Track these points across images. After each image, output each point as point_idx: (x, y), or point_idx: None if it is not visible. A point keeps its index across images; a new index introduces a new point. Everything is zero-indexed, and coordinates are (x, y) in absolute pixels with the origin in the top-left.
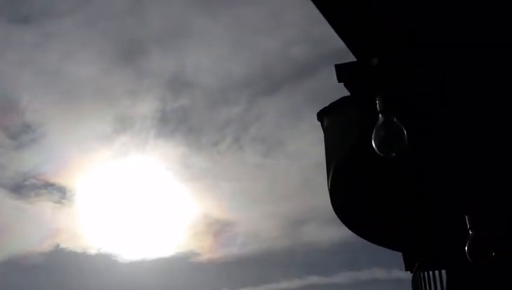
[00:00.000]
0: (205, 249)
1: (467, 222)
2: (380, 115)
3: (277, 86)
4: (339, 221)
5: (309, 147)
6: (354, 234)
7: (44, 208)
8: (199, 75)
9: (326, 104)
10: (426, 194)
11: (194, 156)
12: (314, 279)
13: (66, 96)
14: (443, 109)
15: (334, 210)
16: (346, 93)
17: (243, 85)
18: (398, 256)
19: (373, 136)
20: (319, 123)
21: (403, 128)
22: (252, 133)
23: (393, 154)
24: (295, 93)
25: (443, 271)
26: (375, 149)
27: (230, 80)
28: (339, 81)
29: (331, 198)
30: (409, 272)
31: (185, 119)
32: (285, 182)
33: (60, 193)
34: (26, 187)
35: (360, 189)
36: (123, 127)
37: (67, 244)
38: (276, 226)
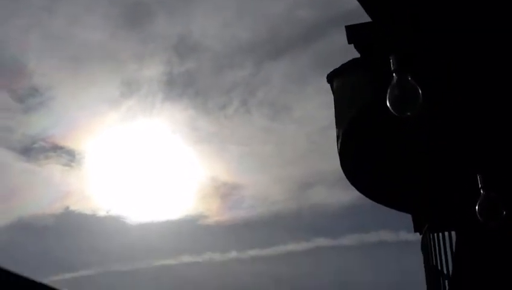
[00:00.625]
0: (213, 211)
1: (479, 181)
2: (394, 75)
3: (283, 49)
4: (346, 184)
5: (316, 110)
6: (361, 197)
7: (53, 170)
8: (205, 39)
9: (333, 68)
10: (438, 153)
11: (201, 120)
12: (321, 241)
13: (73, 60)
14: (457, 68)
15: (344, 173)
16: (355, 55)
17: (249, 49)
18: (406, 218)
19: (387, 96)
20: (326, 87)
21: (418, 87)
22: (258, 97)
23: (408, 113)
24: (301, 57)
25: (453, 232)
26: (390, 109)
27: (236, 43)
28: (349, 43)
29: (340, 160)
30: (418, 233)
31: (192, 83)
32: (293, 146)
33: (68, 156)
34: (35, 150)
35: (370, 151)
36: (130, 91)
37: (76, 206)
38: (283, 189)
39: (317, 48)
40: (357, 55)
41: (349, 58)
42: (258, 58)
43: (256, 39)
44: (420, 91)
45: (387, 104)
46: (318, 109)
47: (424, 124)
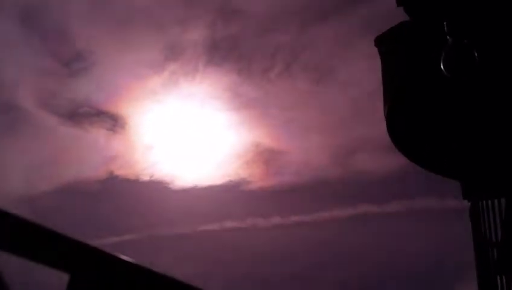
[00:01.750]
0: (256, 177)
1: None
2: (448, 38)
3: (328, 12)
4: (392, 150)
5: (361, 75)
6: (407, 163)
7: (97, 135)
8: (249, 1)
9: (380, 31)
10: (490, 119)
11: (244, 84)
12: (366, 207)
13: (116, 25)
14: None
15: (391, 138)
16: (403, 18)
17: (293, 12)
18: (453, 185)
19: (442, 59)
20: (371, 51)
21: (473, 50)
22: (303, 61)
23: (463, 77)
24: (347, 19)
25: (502, 200)
26: (444, 72)
27: (280, 6)
28: (399, 5)
29: (387, 125)
30: (466, 201)
31: (235, 46)
32: (337, 111)
33: (112, 121)
34: (79, 115)
35: (419, 116)
36: (173, 55)
37: (120, 171)
38: (327, 154)
39: (364, 10)
40: (404, 18)
41: (397, 21)
42: (302, 21)
43: (301, 1)
44: (476, 54)
45: (442, 67)
46: (363, 74)
47: (477, 87)
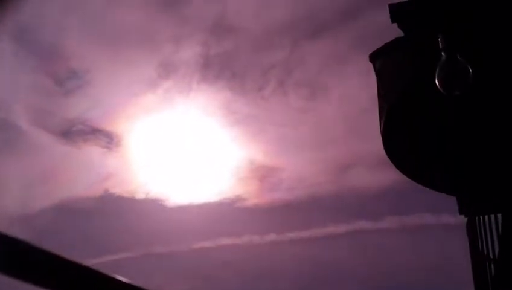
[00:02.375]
0: (251, 194)
1: None
2: (442, 53)
3: (321, 29)
4: (386, 166)
5: (355, 91)
6: (401, 179)
7: (92, 153)
8: (242, 19)
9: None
10: (485, 134)
11: (237, 101)
12: (361, 224)
13: (110, 42)
14: (507, 45)
15: (387, 154)
16: (395, 34)
17: (286, 28)
18: (448, 201)
19: (436, 74)
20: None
21: (468, 66)
22: (296, 78)
23: (457, 92)
24: (340, 36)
25: (499, 215)
26: (439, 87)
27: (273, 24)
28: (393, 22)
29: (383, 141)
30: (462, 216)
31: (228, 64)
32: (331, 127)
33: (107, 139)
34: (73, 133)
35: (414, 131)
36: (167, 73)
37: (115, 189)
38: (322, 171)
39: (356, 27)
40: (398, 34)
41: (389, 37)
42: (295, 38)
43: (294, 18)
44: (470, 70)
45: (436, 83)
46: (357, 90)
47: (472, 102)
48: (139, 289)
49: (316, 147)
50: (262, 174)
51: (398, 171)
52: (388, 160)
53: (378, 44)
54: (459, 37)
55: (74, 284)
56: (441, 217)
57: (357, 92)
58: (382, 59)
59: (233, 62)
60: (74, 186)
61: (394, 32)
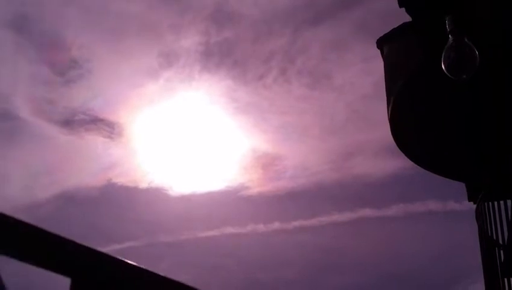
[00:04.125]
0: (254, 182)
1: None
2: (449, 36)
3: (322, 16)
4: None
5: (356, 78)
6: (405, 166)
7: (94, 143)
8: (242, 6)
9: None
10: (494, 118)
11: (240, 90)
12: (366, 211)
13: (110, 32)
14: None
15: (395, 140)
16: (397, 20)
17: (287, 16)
18: (453, 188)
19: (443, 58)
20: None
21: (475, 49)
22: (298, 66)
23: (464, 76)
24: (341, 23)
25: (509, 201)
26: (445, 71)
27: (274, 10)
28: (400, 6)
29: (391, 127)
30: (466, 202)
31: (229, 52)
32: (333, 115)
33: (109, 128)
34: (76, 122)
35: (423, 117)
36: (168, 62)
37: (118, 178)
38: (325, 158)
39: (358, 14)
40: (399, 19)
41: (391, 23)
42: (297, 25)
43: (295, 5)
44: (477, 53)
45: (442, 66)
46: (359, 77)
47: (480, 86)
48: (147, 272)
49: (319, 135)
50: (266, 162)
51: (401, 159)
52: (392, 147)
53: (379, 30)
54: (466, 20)
55: (81, 266)
56: (446, 204)
57: (359, 79)
58: (389, 44)
59: (235, 50)
60: (77, 176)
61: (396, 17)
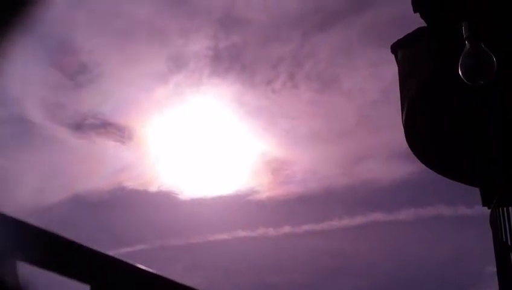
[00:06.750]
0: (264, 186)
1: None
2: (466, 42)
3: (331, 20)
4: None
5: (365, 83)
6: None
7: (105, 146)
8: (251, 11)
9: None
10: (508, 124)
11: (248, 94)
12: (376, 216)
13: (120, 36)
14: None
15: (409, 145)
16: (407, 25)
17: (295, 21)
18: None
19: (460, 64)
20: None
21: (492, 55)
22: (306, 70)
23: (482, 82)
24: (350, 28)
25: None
26: (462, 77)
27: (282, 15)
28: (415, 12)
29: (405, 132)
30: (478, 207)
31: (238, 57)
32: (342, 119)
33: (119, 132)
34: (86, 126)
35: (437, 122)
36: (177, 67)
37: (129, 182)
38: (335, 163)
39: (366, 18)
40: (409, 24)
41: (401, 28)
42: (305, 30)
43: (303, 10)
44: (494, 59)
45: (459, 72)
46: (367, 82)
47: (497, 92)
48: (163, 279)
49: (329, 139)
50: (275, 167)
51: (412, 163)
52: (403, 151)
53: (388, 35)
54: (483, 25)
55: (99, 273)
56: (457, 209)
57: (368, 84)
58: (404, 49)
59: (243, 55)
60: (88, 180)
61: (405, 22)
